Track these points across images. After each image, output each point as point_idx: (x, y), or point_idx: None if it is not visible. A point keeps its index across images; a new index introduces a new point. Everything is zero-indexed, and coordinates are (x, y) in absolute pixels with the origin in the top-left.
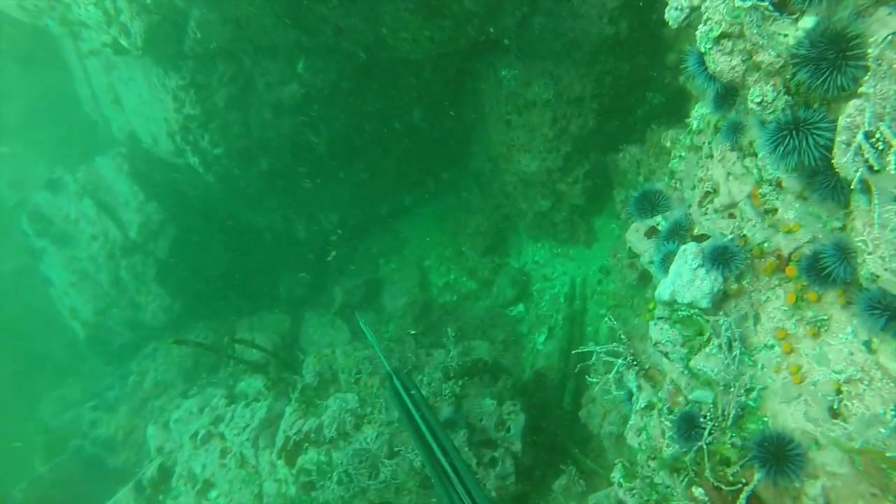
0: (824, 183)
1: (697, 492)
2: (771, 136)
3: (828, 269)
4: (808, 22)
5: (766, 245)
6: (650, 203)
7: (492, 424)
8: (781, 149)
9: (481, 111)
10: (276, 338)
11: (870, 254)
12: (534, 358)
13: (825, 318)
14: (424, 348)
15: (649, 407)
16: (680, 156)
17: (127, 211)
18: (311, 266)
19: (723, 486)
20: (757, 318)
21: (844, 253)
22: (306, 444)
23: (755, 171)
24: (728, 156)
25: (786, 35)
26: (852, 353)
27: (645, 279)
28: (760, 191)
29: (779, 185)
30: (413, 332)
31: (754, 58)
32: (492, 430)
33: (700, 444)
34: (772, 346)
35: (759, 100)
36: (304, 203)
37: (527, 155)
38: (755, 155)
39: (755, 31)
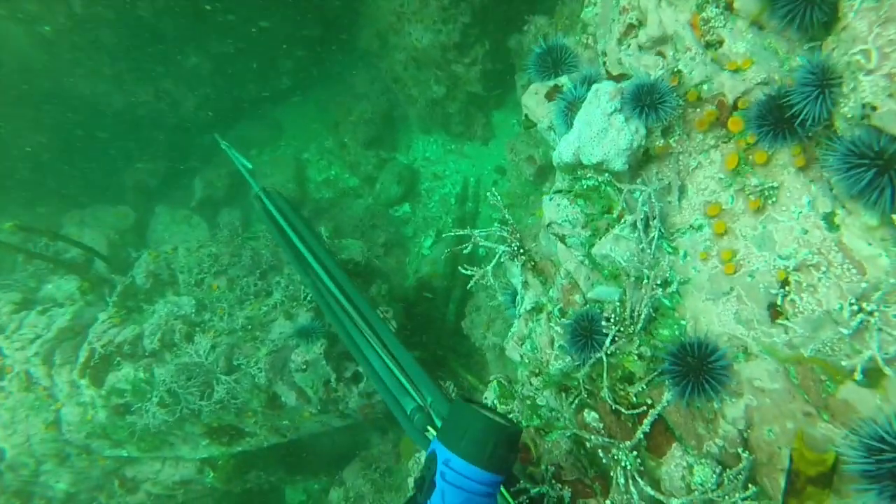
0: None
1: (589, 416)
2: None
3: (794, 108)
4: None
5: (705, 87)
6: (554, 61)
7: None
8: None
9: None
10: (114, 235)
11: (868, 73)
12: (418, 263)
13: (774, 185)
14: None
15: (536, 309)
16: (594, 3)
17: None
18: (166, 153)
19: (622, 410)
20: (683, 191)
21: (824, 81)
22: (118, 359)
23: None
24: None
25: None
26: (806, 232)
27: (543, 174)
28: (703, 16)
29: (729, 6)
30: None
31: None
32: None
33: (599, 355)
34: (700, 227)
35: None
36: (151, 73)
37: (419, 26)
38: None
39: None
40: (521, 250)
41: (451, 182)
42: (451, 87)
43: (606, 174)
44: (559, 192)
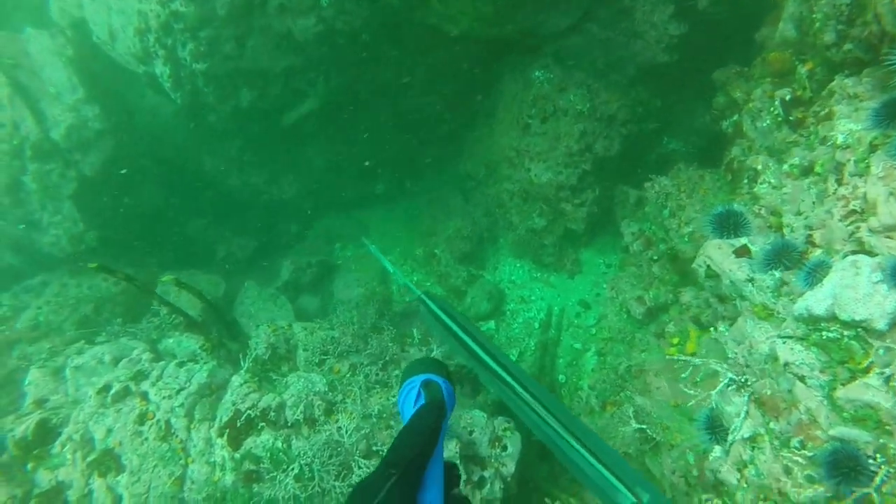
0: None
1: None
2: None
3: None
4: None
5: None
6: (734, 223)
7: (485, 440)
8: None
9: (491, 112)
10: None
11: None
12: None
13: None
14: (398, 343)
15: (754, 438)
16: (769, 182)
17: (55, 105)
18: (258, 231)
19: None
20: None
21: None
22: (262, 424)
23: None
24: (894, 174)
25: None
26: None
27: (652, 315)
28: None
29: None
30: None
31: None
32: (484, 445)
33: (868, 490)
34: None
35: None
36: (270, 160)
37: (541, 164)
38: None
39: None
40: (748, 383)
41: (535, 308)
42: (551, 220)
43: (857, 330)
44: (789, 337)
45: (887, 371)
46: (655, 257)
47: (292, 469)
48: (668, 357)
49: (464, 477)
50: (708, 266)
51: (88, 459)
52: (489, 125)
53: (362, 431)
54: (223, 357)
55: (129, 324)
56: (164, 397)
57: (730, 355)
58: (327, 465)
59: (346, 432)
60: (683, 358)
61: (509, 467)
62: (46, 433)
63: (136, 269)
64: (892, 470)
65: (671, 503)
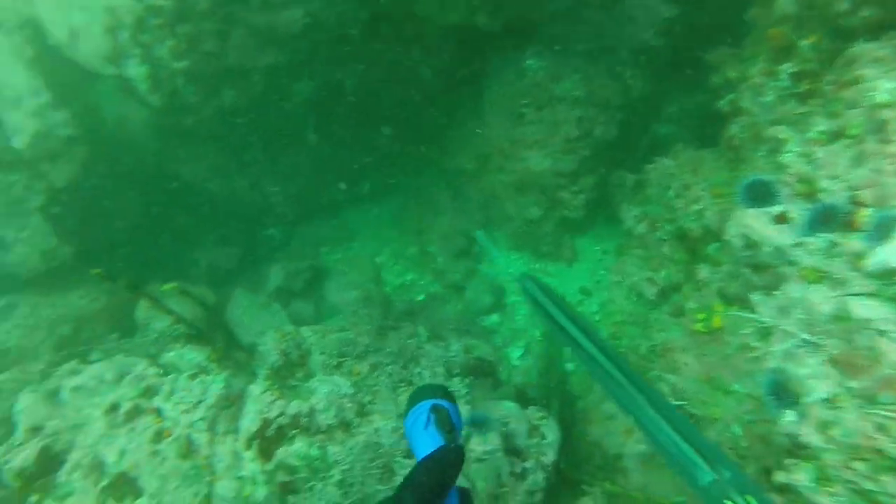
0: None
1: None
2: None
3: None
4: None
5: None
6: (767, 192)
7: (523, 430)
8: None
9: (480, 105)
10: (200, 312)
11: None
12: (509, 373)
13: None
14: (414, 339)
15: (833, 399)
16: (794, 151)
17: (16, 111)
18: (241, 239)
19: None
20: None
21: None
22: (294, 432)
23: None
24: None
25: None
26: None
27: (664, 295)
28: None
29: None
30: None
31: None
32: (522, 436)
33: None
34: None
35: None
36: (252, 163)
37: (539, 152)
38: None
39: None
40: (820, 343)
41: None
42: (548, 209)
43: None
44: (861, 294)
45: None
46: (665, 238)
47: (332, 476)
48: (692, 332)
49: (508, 469)
50: (746, 236)
51: (101, 485)
52: (479, 117)
53: (400, 431)
54: (233, 367)
55: (122, 340)
56: (182, 412)
57: (770, 322)
58: (369, 469)
59: (385, 432)
60: (748, 316)
61: (549, 456)
62: (49, 461)
63: (113, 284)
64: None
65: (751, 480)
